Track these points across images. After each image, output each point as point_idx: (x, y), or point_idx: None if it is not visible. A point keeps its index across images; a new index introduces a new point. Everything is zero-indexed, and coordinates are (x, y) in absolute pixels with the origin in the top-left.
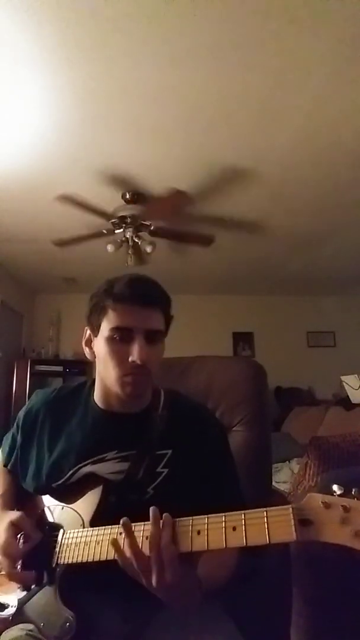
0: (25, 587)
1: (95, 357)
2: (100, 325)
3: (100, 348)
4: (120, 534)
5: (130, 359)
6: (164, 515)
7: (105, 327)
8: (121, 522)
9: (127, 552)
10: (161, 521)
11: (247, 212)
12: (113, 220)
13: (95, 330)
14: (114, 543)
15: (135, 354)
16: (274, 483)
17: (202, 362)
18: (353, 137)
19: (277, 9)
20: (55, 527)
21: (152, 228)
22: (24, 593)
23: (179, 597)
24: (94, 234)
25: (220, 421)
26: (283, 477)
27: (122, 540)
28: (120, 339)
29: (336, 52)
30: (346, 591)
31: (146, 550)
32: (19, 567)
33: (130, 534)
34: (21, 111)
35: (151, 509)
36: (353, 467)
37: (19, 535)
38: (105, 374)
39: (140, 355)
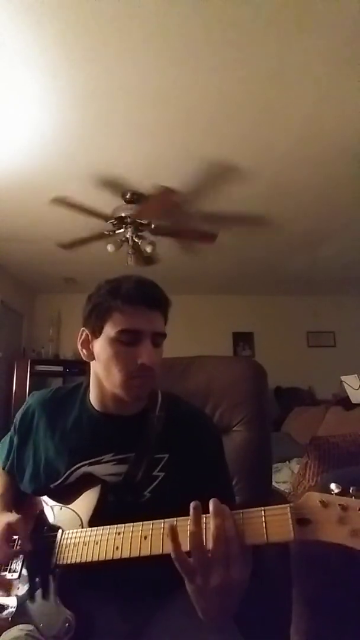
0: (5, 594)
1: (93, 359)
2: (102, 327)
3: (102, 350)
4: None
5: (139, 362)
6: (224, 507)
7: (110, 329)
8: (192, 505)
9: (189, 544)
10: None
11: (247, 212)
12: (112, 221)
13: (96, 332)
14: (173, 531)
15: (144, 357)
16: (274, 483)
17: (202, 362)
18: (353, 136)
19: (277, 10)
20: (54, 528)
21: (152, 227)
22: (24, 591)
23: (236, 600)
24: (97, 235)
25: (216, 426)
26: (283, 477)
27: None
28: (127, 341)
29: (336, 52)
30: (346, 592)
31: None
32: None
33: (198, 522)
34: (21, 111)
35: (211, 500)
36: (353, 467)
37: (13, 538)
38: (108, 376)
39: (150, 357)
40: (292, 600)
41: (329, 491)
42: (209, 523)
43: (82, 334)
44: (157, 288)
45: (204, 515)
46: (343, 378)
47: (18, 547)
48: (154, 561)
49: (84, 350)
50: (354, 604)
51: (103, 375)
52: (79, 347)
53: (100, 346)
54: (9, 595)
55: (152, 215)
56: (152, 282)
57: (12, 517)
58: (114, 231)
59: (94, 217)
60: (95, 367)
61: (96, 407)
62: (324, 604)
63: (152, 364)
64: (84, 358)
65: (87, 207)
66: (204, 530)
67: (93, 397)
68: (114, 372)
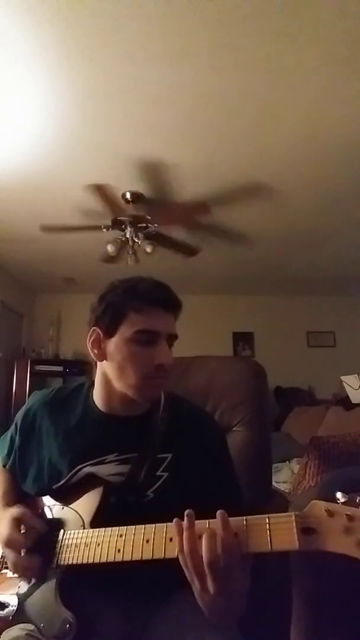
0: (28, 579)
1: (104, 359)
2: (117, 327)
3: (116, 350)
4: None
5: (156, 362)
6: (219, 513)
7: (127, 329)
8: (186, 513)
9: (184, 548)
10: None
11: (246, 211)
12: (108, 224)
13: (110, 332)
14: (179, 525)
15: (163, 357)
16: (274, 483)
17: (202, 362)
18: (352, 136)
19: (276, 10)
20: (56, 526)
21: (148, 229)
22: (25, 590)
23: (238, 603)
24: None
25: (219, 425)
26: (283, 477)
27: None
28: (144, 341)
29: (334, 52)
30: (346, 591)
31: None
32: (22, 552)
33: (191, 528)
34: (21, 111)
35: (219, 512)
36: (353, 467)
37: (22, 529)
38: (121, 376)
39: (168, 358)
40: (292, 599)
41: (330, 493)
42: (209, 529)
43: (92, 334)
44: (172, 291)
45: (207, 521)
46: (343, 378)
47: (27, 534)
48: (155, 563)
49: (95, 350)
50: (354, 604)
51: (115, 375)
52: (89, 346)
53: (114, 346)
54: (29, 580)
55: (173, 223)
56: (167, 285)
57: (15, 510)
58: (110, 227)
59: (91, 230)
60: (105, 367)
61: (100, 408)
62: (324, 602)
63: (169, 365)
64: (94, 358)
65: (77, 226)
66: (208, 537)
67: (98, 397)
68: (128, 372)
